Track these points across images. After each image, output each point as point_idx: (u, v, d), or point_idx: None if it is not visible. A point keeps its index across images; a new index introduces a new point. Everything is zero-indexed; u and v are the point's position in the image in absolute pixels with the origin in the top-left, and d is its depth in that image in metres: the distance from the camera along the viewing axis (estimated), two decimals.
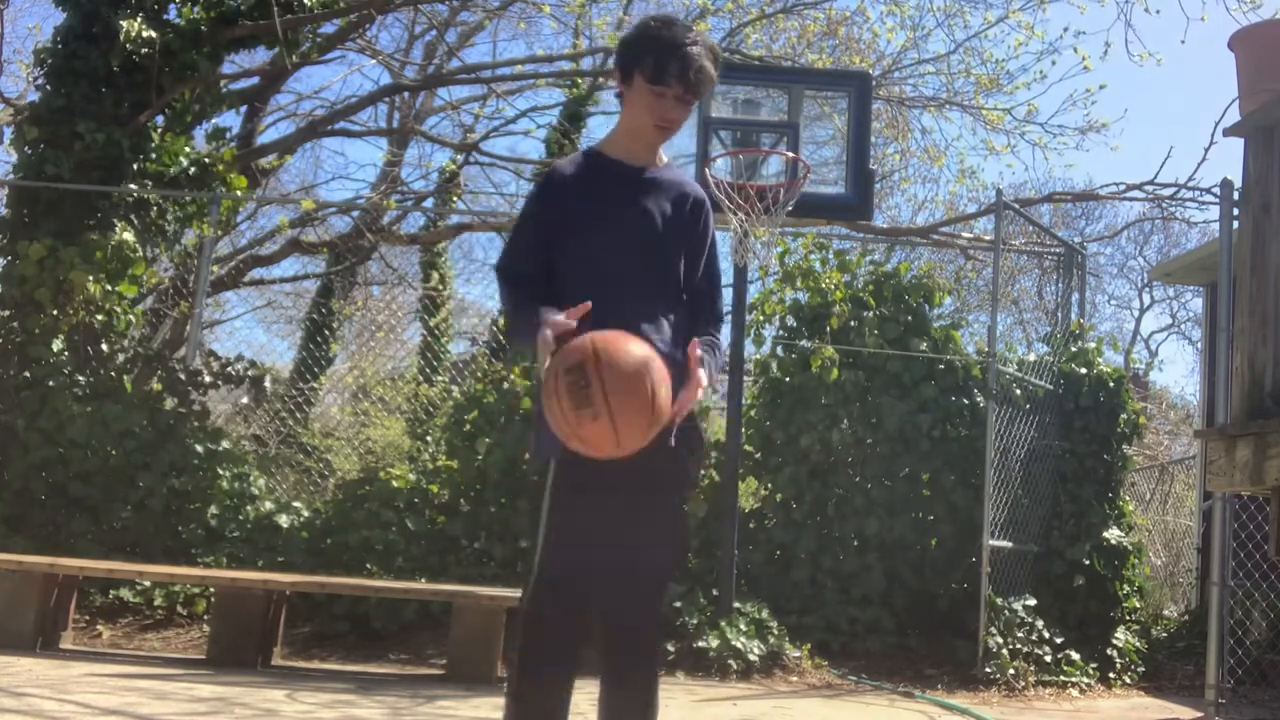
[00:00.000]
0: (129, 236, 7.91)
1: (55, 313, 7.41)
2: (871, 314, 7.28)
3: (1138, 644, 7.02)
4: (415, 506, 7.03)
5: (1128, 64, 38.61)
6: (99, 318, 7.56)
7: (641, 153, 2.67)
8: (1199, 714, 5.63)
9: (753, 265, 6.46)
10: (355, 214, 13.05)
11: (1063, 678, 6.34)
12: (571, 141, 14.72)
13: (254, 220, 16.12)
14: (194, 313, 8.12)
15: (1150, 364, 28.85)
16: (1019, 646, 6.35)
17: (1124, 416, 7.28)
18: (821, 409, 7.10)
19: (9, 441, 7.12)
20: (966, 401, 7.18)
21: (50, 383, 7.18)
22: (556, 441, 2.44)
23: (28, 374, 7.25)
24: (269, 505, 7.22)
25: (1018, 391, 6.87)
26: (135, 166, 8.26)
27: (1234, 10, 8.42)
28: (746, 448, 7.11)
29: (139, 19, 8.28)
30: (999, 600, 6.44)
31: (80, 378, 7.30)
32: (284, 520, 7.04)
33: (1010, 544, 6.64)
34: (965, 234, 10.37)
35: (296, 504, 7.28)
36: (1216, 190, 6.20)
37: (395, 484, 7.04)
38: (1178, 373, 43.02)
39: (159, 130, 8.59)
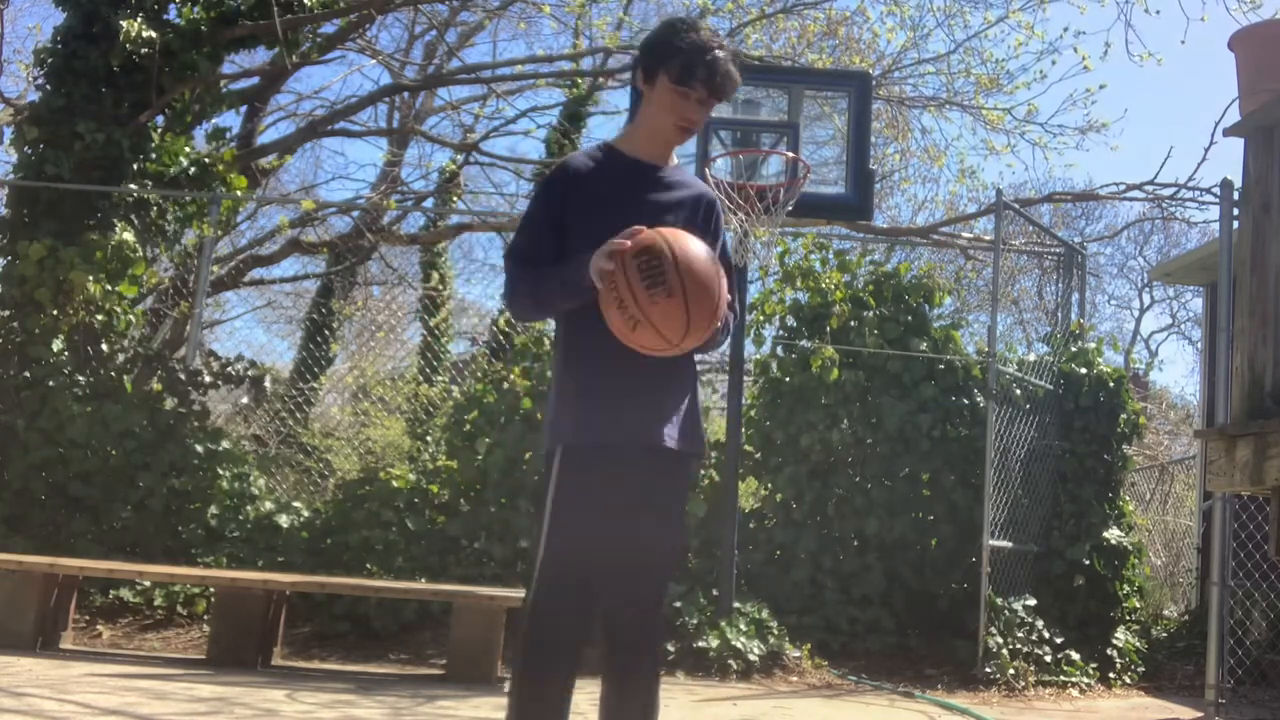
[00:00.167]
0: (129, 236, 7.91)
1: (55, 313, 7.41)
2: (871, 314, 7.28)
3: (1138, 644, 7.02)
4: (415, 506, 7.03)
5: (1128, 64, 38.63)
6: (99, 318, 7.56)
7: (657, 152, 2.68)
8: (1199, 714, 5.63)
9: (753, 265, 6.46)
10: (355, 214, 13.05)
11: (1063, 678, 6.34)
12: (571, 141, 14.72)
13: (254, 220, 16.14)
14: (194, 313, 8.12)
15: (1150, 364, 28.87)
16: (1019, 646, 6.35)
17: (1124, 416, 7.28)
18: (821, 409, 7.10)
19: (9, 441, 7.12)
20: (966, 401, 7.18)
21: (50, 383, 7.18)
22: (565, 429, 2.48)
23: (28, 374, 7.25)
24: (269, 505, 7.22)
25: (1018, 391, 6.87)
26: (135, 166, 8.26)
27: (1234, 10, 8.42)
28: (746, 448, 7.11)
29: (139, 19, 8.28)
30: (999, 600, 6.44)
31: (80, 378, 7.30)
32: (284, 520, 7.04)
33: (1010, 544, 6.64)
34: (965, 234, 10.37)
35: (296, 504, 7.28)
36: (1216, 190, 6.20)
37: (395, 484, 7.04)
38: (1178, 373, 43.05)
39: (159, 130, 8.59)
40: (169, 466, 7.13)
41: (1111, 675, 6.65)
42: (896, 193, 16.50)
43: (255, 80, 11.14)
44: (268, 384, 7.78)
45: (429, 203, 14.90)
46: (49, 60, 8.26)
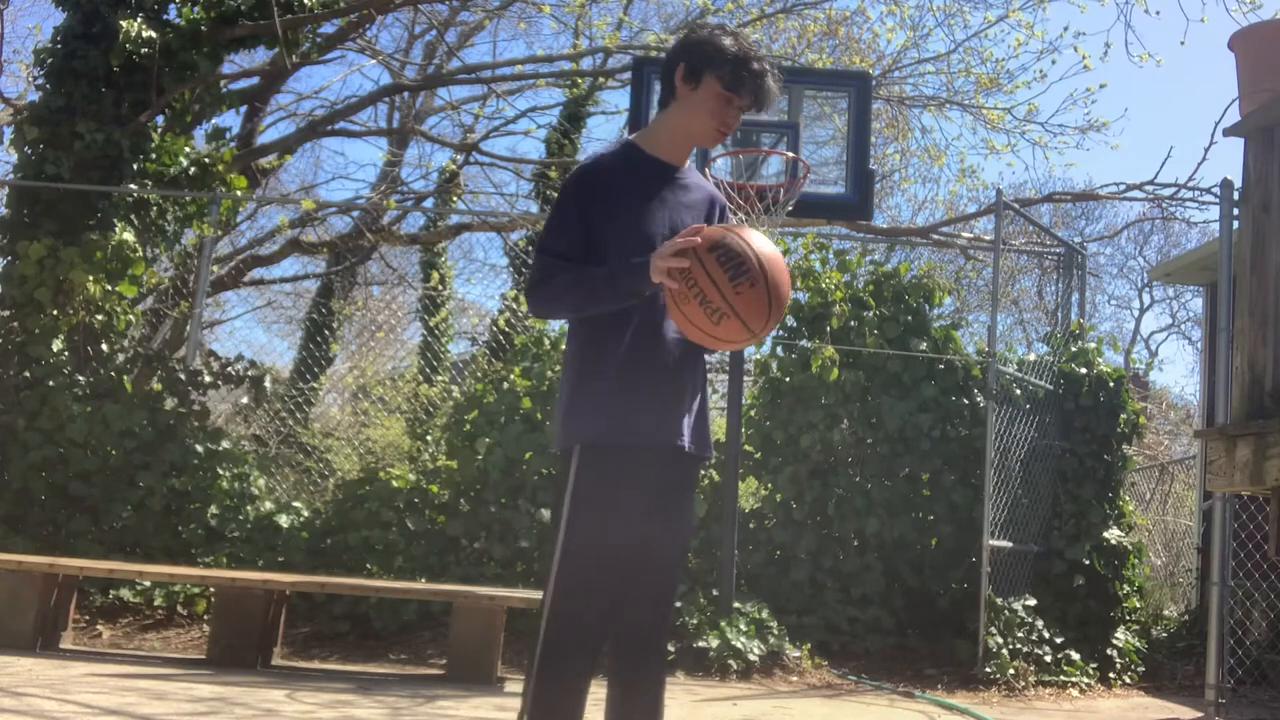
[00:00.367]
0: (129, 236, 7.91)
1: (55, 313, 7.41)
2: (871, 314, 7.28)
3: (1138, 644, 7.02)
4: (415, 506, 7.03)
5: (1128, 64, 38.63)
6: (99, 318, 7.56)
7: (680, 153, 2.67)
8: (1199, 714, 5.63)
9: None
10: (355, 214, 13.06)
11: (1063, 678, 6.34)
12: (571, 141, 14.73)
13: (254, 220, 16.14)
14: (194, 313, 8.12)
15: (1150, 364, 28.89)
16: (1019, 646, 6.35)
17: (1124, 416, 7.28)
18: (821, 409, 7.10)
19: (9, 441, 7.12)
20: (966, 401, 7.18)
21: (50, 383, 7.18)
22: (585, 427, 2.47)
23: (28, 374, 7.25)
24: (269, 505, 7.22)
25: (1018, 391, 6.87)
26: (135, 166, 8.27)
27: (1234, 11, 8.42)
28: (746, 448, 7.11)
29: (139, 19, 8.28)
30: (999, 600, 6.44)
31: (80, 378, 7.30)
32: (284, 520, 7.04)
33: (1010, 544, 6.64)
34: (965, 234, 10.38)
35: (296, 504, 7.28)
36: (1216, 190, 6.20)
37: (395, 484, 7.04)
38: (1178, 373, 43.05)
39: (159, 130, 8.59)
40: (169, 466, 7.13)
41: (1111, 675, 6.65)
42: (896, 193, 16.51)
43: (255, 80, 11.15)
44: (268, 384, 7.78)
45: (429, 203, 14.91)
46: (49, 60, 8.26)
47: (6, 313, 7.50)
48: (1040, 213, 13.85)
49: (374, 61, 13.72)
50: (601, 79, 13.31)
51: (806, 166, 6.08)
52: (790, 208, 5.96)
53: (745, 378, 7.27)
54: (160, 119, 8.69)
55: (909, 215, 17.08)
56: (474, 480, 7.04)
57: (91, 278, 7.46)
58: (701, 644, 6.01)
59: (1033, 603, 6.63)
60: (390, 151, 15.63)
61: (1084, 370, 7.30)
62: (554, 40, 26.32)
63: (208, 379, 7.48)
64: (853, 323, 7.23)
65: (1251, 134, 3.47)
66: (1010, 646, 6.31)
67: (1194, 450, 10.94)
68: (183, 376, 7.42)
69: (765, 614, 6.32)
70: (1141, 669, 6.86)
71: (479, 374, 8.11)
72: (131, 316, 7.89)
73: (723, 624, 6.11)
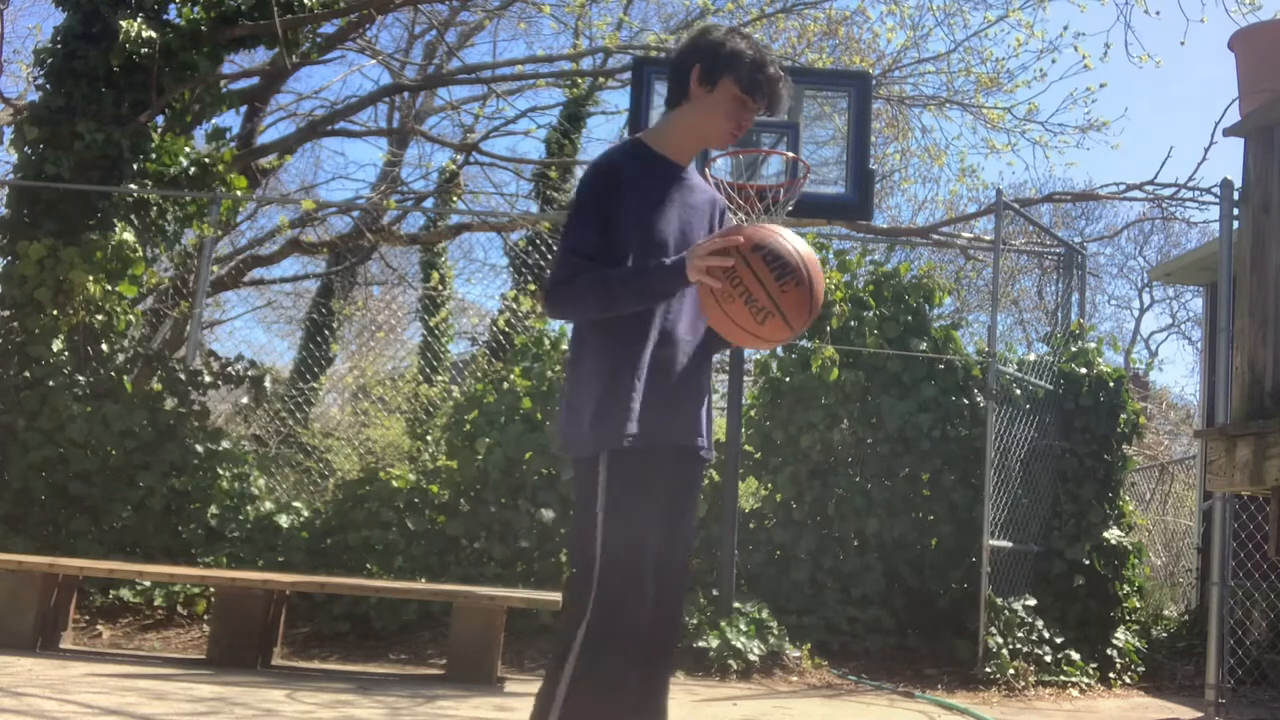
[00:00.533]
0: (129, 236, 7.91)
1: (55, 313, 7.41)
2: (871, 314, 7.28)
3: (1138, 644, 7.01)
4: (415, 506, 7.03)
5: (1128, 65, 38.62)
6: (99, 318, 7.56)
7: (689, 153, 2.68)
8: (1199, 714, 5.63)
9: None
10: (355, 214, 13.06)
11: (1063, 678, 6.34)
12: (571, 141, 14.74)
13: (254, 220, 16.15)
14: (194, 313, 8.12)
15: (1150, 364, 28.91)
16: (1019, 646, 6.35)
17: (1124, 416, 7.28)
18: (821, 409, 7.10)
19: (9, 441, 7.12)
20: (966, 401, 7.18)
21: (50, 383, 7.18)
22: (617, 430, 2.45)
23: (28, 374, 7.25)
24: (269, 505, 7.22)
25: (1018, 391, 6.87)
26: (135, 166, 8.27)
27: (1234, 11, 8.43)
28: (746, 448, 7.10)
29: (139, 19, 8.28)
30: (999, 600, 6.44)
31: (80, 378, 7.30)
32: (284, 520, 7.04)
33: (1010, 544, 6.64)
34: (965, 234, 10.37)
35: (296, 504, 7.28)
36: (1216, 190, 6.20)
37: (395, 484, 7.04)
38: (1178, 373, 43.05)
39: (159, 130, 8.59)
40: (169, 466, 7.13)
41: (1111, 675, 6.65)
42: (896, 193, 16.52)
43: (255, 80, 11.15)
44: (268, 384, 7.78)
45: (429, 203, 14.91)
46: (49, 60, 8.26)
47: (6, 313, 7.50)
48: (1040, 213, 13.85)
49: (374, 61, 13.73)
50: (601, 79, 13.32)
51: (806, 166, 6.06)
52: (790, 208, 5.94)
53: (745, 378, 7.26)
54: (160, 119, 8.69)
55: (909, 215, 17.10)
56: (474, 480, 7.03)
57: (91, 278, 7.46)
58: (701, 644, 6.01)
59: (1033, 603, 6.63)
60: (390, 151, 15.64)
61: (1084, 370, 7.30)
62: (554, 40, 26.34)
63: (208, 379, 7.48)
64: (853, 323, 7.23)
65: (1251, 134, 3.47)
66: (1010, 646, 6.31)
67: (1194, 450, 10.94)
68: (183, 376, 7.42)
69: (765, 614, 6.32)
70: (1141, 669, 6.86)
71: (479, 374, 8.11)
72: (131, 316, 7.89)
73: (723, 624, 6.11)
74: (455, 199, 13.82)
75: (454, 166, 14.25)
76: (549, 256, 9.83)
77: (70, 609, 6.02)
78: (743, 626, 6.15)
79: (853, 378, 7.09)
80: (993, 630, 6.32)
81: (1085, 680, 6.41)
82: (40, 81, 8.32)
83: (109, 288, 7.60)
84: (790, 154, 6.10)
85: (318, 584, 5.99)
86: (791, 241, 2.43)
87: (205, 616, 6.54)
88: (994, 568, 6.47)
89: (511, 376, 7.30)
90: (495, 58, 16.69)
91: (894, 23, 10.61)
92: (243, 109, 11.38)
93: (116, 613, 6.74)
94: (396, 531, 6.93)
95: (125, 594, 6.81)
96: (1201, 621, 6.84)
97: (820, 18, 10.81)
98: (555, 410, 6.95)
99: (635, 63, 6.57)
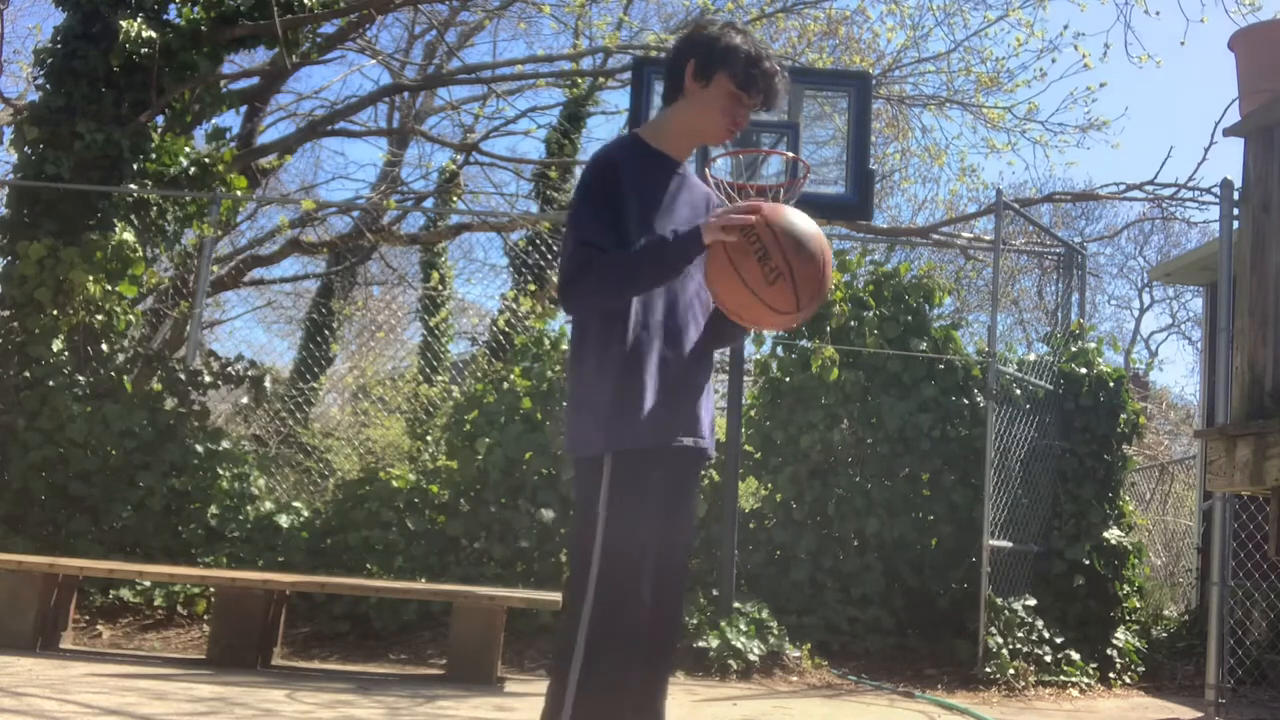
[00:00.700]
0: (129, 236, 7.91)
1: (55, 313, 7.41)
2: (871, 314, 7.28)
3: (1138, 644, 7.01)
4: (415, 506, 7.03)
5: (1128, 65, 38.63)
6: (99, 318, 7.56)
7: (685, 149, 2.66)
8: (1199, 714, 5.63)
9: None
10: (355, 214, 13.06)
11: (1063, 678, 6.34)
12: (571, 141, 14.74)
13: (254, 220, 16.15)
14: (194, 313, 8.12)
15: (1150, 364, 28.91)
16: (1019, 646, 6.35)
17: (1124, 416, 7.28)
18: (821, 409, 7.10)
19: (9, 441, 7.12)
20: (966, 401, 7.18)
21: (50, 383, 7.18)
22: (625, 432, 2.44)
23: (28, 374, 7.24)
24: (269, 505, 7.22)
25: (1018, 391, 6.87)
26: (135, 166, 8.27)
27: (1233, 11, 8.43)
28: (746, 448, 7.10)
29: (139, 19, 8.28)
30: (999, 600, 6.44)
31: (80, 378, 7.30)
32: (284, 520, 7.04)
33: (1010, 544, 6.64)
34: (965, 234, 10.38)
35: (296, 504, 7.28)
36: (1216, 190, 6.20)
37: (395, 484, 7.04)
38: (1178, 373, 43.06)
39: (159, 130, 8.59)
40: (169, 466, 7.13)
41: (1111, 675, 6.65)
42: (896, 192, 16.52)
43: (255, 80, 11.16)
44: (268, 384, 7.78)
45: (429, 203, 14.91)
46: (49, 60, 8.26)
47: (6, 313, 7.50)
48: (1040, 213, 13.85)
49: (374, 61, 13.73)
50: (601, 79, 13.32)
51: (806, 166, 6.03)
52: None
53: (745, 378, 7.26)
54: (160, 119, 8.69)
55: (909, 215, 17.10)
56: (474, 480, 7.04)
57: (91, 278, 7.46)
58: (701, 644, 6.01)
59: (1033, 603, 6.63)
60: (390, 151, 15.64)
61: (1084, 370, 7.30)
62: (554, 40, 26.33)
63: (208, 379, 7.48)
64: (853, 323, 7.22)
65: (1251, 134, 3.47)
66: (1010, 646, 6.31)
67: (1194, 450, 10.94)
68: (183, 376, 7.42)
69: (765, 614, 6.32)
70: (1141, 669, 6.86)
71: (479, 374, 8.11)
72: (131, 316, 7.89)
73: (723, 624, 6.11)
74: (455, 199, 13.82)
75: (454, 166, 14.25)
76: (549, 256, 9.84)
77: (70, 609, 6.02)
78: (743, 626, 6.15)
79: (853, 378, 7.09)
80: (993, 630, 6.32)
81: (1085, 680, 6.41)
82: (40, 81, 8.32)
83: (109, 288, 7.60)
84: (790, 154, 6.09)
85: (318, 584, 5.99)
86: (812, 224, 2.45)
87: (205, 616, 6.54)
88: (994, 568, 6.47)
89: (511, 376, 7.30)
90: (495, 58, 16.71)
91: (894, 22, 10.62)
92: (243, 109, 11.39)
93: (116, 613, 6.74)
94: (396, 531, 6.93)
95: (125, 594, 6.80)
96: (1201, 621, 6.84)
97: (820, 17, 10.82)
98: (556, 411, 6.95)
99: (635, 63, 6.57)
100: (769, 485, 7.19)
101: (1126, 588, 7.09)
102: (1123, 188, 9.19)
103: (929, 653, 6.71)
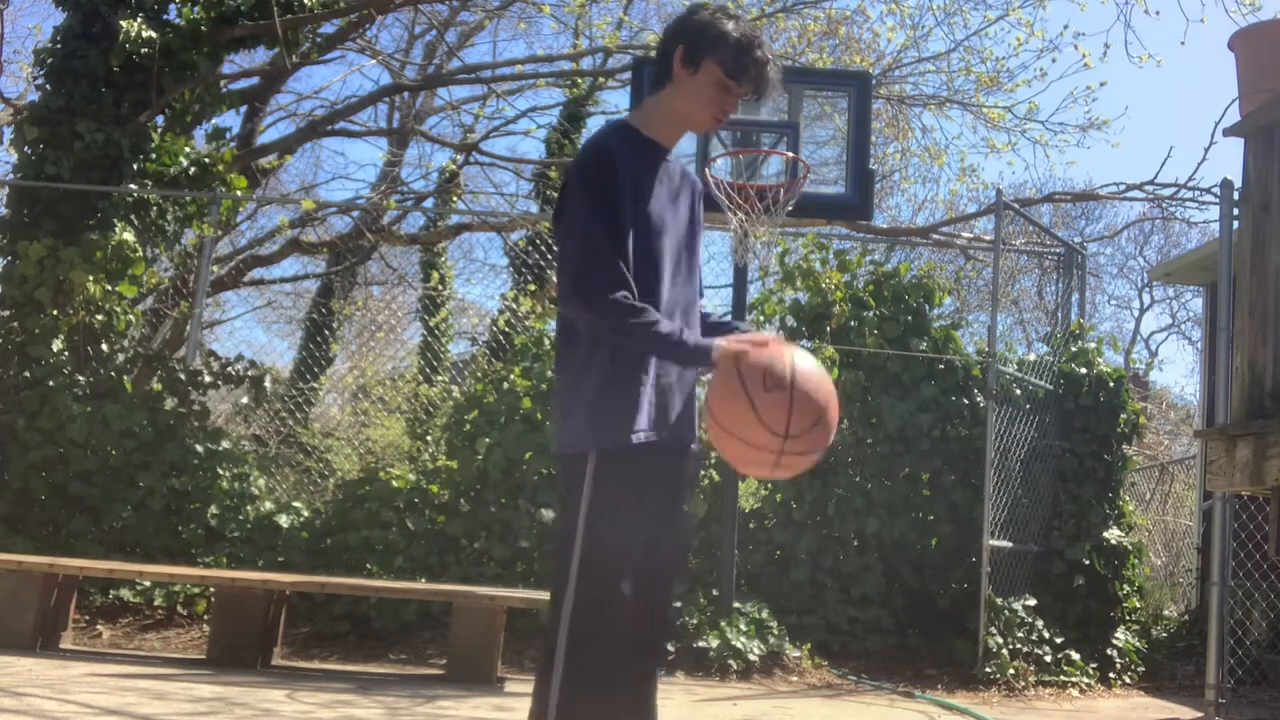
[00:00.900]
0: (129, 236, 7.91)
1: (55, 313, 7.41)
2: (871, 314, 7.28)
3: (1138, 644, 7.01)
4: (415, 506, 7.03)
5: (1128, 64, 38.63)
6: (99, 318, 7.56)
7: (674, 137, 2.61)
8: (1199, 714, 5.63)
9: (753, 265, 6.46)
10: (355, 214, 13.06)
11: (1063, 678, 6.34)
12: (571, 141, 14.73)
13: (254, 220, 16.15)
14: (194, 313, 8.13)
15: (1150, 364, 28.89)
16: (1019, 646, 6.35)
17: (1124, 416, 7.28)
18: None
19: (9, 441, 7.12)
20: (966, 401, 7.18)
21: (50, 383, 7.18)
22: (614, 430, 2.42)
23: (28, 374, 7.24)
24: (269, 505, 7.22)
25: (1018, 391, 6.87)
26: (135, 166, 8.27)
27: (1233, 11, 8.43)
28: None
29: (139, 19, 8.28)
30: (999, 600, 6.44)
31: (80, 378, 7.30)
32: (284, 520, 7.04)
33: (1010, 544, 6.64)
34: (965, 234, 10.38)
35: (296, 504, 7.28)
36: (1216, 190, 6.20)
37: (395, 484, 7.04)
38: (1178, 373, 43.06)
39: (159, 130, 8.59)
40: (169, 466, 7.13)
41: (1111, 675, 6.65)
42: (896, 193, 16.52)
43: (255, 80, 11.16)
44: (268, 384, 7.78)
45: (429, 203, 14.91)
46: (49, 60, 8.26)
47: (6, 313, 7.50)
48: (1040, 213, 13.85)
49: (374, 61, 13.74)
50: (601, 79, 13.32)
51: (806, 166, 6.07)
52: (790, 208, 5.95)
53: None
54: (160, 119, 8.69)
55: (909, 215, 17.09)
56: (474, 480, 7.04)
57: (91, 278, 7.46)
58: (701, 644, 6.01)
59: (1033, 603, 6.63)
60: (390, 151, 15.64)
61: (1084, 370, 7.30)
62: (554, 40, 26.30)
63: (208, 379, 7.48)
64: (853, 323, 7.22)
65: (1251, 134, 3.47)
66: (1010, 646, 6.31)
67: (1194, 450, 10.94)
68: (183, 376, 7.42)
69: (765, 614, 6.32)
70: (1141, 669, 6.86)
71: (479, 374, 8.11)
72: (131, 316, 7.89)
73: (723, 624, 6.11)
74: (455, 199, 13.82)
75: (454, 166, 14.24)
76: (549, 256, 9.83)
77: (70, 609, 6.02)
78: (743, 626, 6.15)
79: (853, 378, 7.09)
80: (993, 630, 6.32)
81: (1085, 680, 6.41)
82: (40, 81, 8.32)
83: (109, 288, 7.60)
84: (790, 154, 6.10)
85: (318, 584, 5.99)
86: (826, 377, 2.46)
87: (205, 616, 6.54)
88: (994, 568, 6.47)
89: (511, 376, 7.30)
90: (495, 58, 16.70)
91: (894, 22, 10.62)
92: (243, 109, 11.38)
93: (116, 613, 6.74)
94: (396, 531, 6.93)
95: (125, 594, 6.81)
96: (1201, 621, 6.84)
97: (820, 17, 10.81)
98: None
99: (635, 63, 6.58)
100: (769, 485, 7.19)
101: (1126, 588, 7.09)
102: (1123, 188, 9.20)
103: (929, 653, 6.71)
